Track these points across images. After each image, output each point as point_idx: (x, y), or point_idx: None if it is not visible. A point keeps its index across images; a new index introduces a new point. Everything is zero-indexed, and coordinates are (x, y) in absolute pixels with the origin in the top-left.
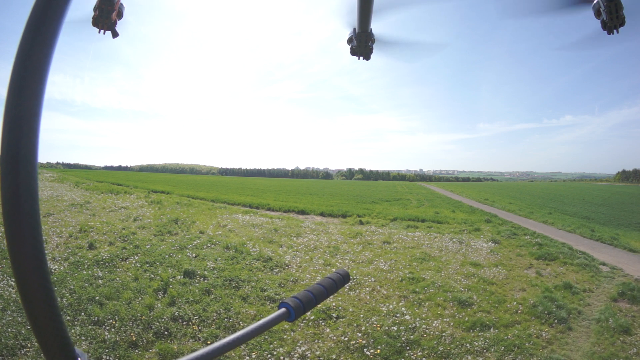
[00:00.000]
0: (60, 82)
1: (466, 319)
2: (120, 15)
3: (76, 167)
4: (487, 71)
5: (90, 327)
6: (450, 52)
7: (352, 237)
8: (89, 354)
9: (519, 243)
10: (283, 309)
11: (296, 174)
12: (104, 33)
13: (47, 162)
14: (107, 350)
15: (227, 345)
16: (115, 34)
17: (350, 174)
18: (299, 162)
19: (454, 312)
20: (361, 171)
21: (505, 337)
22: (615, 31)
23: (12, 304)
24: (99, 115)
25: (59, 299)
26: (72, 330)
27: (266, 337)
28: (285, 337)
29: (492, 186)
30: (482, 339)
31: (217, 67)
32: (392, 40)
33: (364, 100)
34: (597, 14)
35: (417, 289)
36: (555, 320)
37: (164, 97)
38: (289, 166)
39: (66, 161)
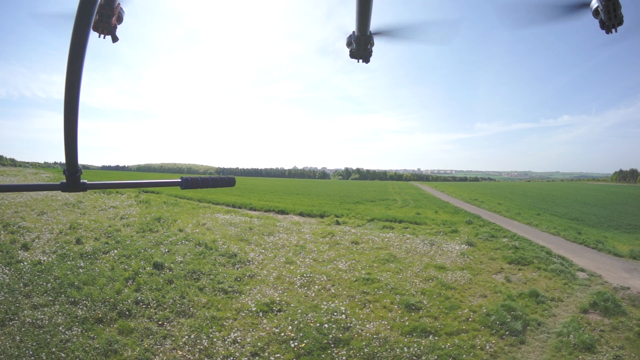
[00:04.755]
0: (59, 82)
1: (407, 323)
2: (120, 19)
3: None
4: (485, 71)
5: (67, 305)
6: (449, 52)
7: (323, 237)
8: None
9: (495, 246)
10: (180, 180)
11: (293, 173)
12: (104, 37)
13: (44, 162)
14: (77, 324)
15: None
16: (115, 39)
17: (347, 174)
18: (297, 162)
19: (397, 315)
20: (358, 171)
21: (444, 346)
22: (613, 30)
23: (5, 287)
24: (98, 115)
25: (44, 284)
26: (52, 308)
27: (208, 321)
28: (225, 324)
29: (487, 186)
30: (416, 345)
31: (216, 67)
32: (396, 26)
33: (363, 100)
34: (596, 14)
35: (367, 290)
36: (507, 332)
37: (163, 97)
38: (287, 166)
39: (64, 161)
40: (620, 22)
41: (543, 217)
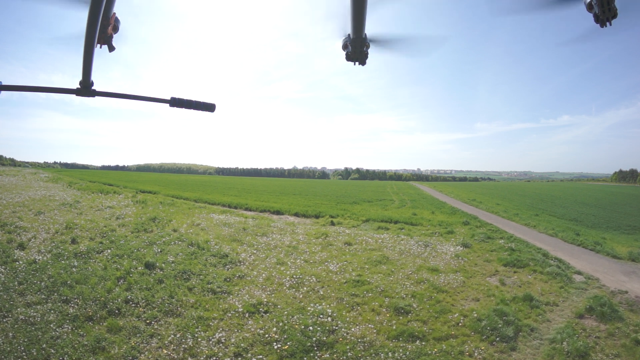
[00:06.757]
0: (58, 82)
1: (394, 327)
2: (116, 29)
3: (74, 166)
4: (485, 71)
5: (59, 304)
6: (448, 52)
7: (316, 238)
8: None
9: (491, 247)
10: (169, 98)
11: (293, 173)
12: (100, 47)
13: (44, 162)
14: (68, 321)
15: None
16: (111, 48)
17: (346, 174)
18: (297, 162)
19: (384, 318)
20: (358, 171)
21: (430, 352)
22: (608, 24)
23: (0, 285)
24: (98, 115)
25: (38, 282)
26: (45, 306)
27: (194, 321)
28: (211, 324)
29: (486, 186)
30: (402, 350)
31: (216, 67)
32: (389, 37)
33: (362, 100)
34: (589, 8)
35: (356, 292)
36: (498, 338)
37: (163, 96)
38: (287, 166)
39: (64, 161)
40: (615, 15)
41: (541, 218)
